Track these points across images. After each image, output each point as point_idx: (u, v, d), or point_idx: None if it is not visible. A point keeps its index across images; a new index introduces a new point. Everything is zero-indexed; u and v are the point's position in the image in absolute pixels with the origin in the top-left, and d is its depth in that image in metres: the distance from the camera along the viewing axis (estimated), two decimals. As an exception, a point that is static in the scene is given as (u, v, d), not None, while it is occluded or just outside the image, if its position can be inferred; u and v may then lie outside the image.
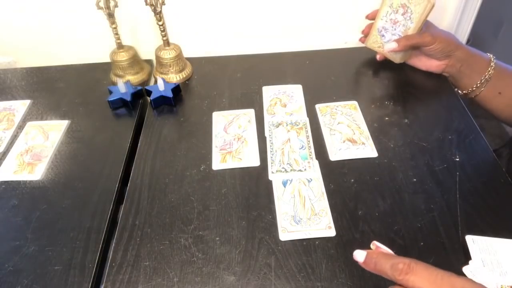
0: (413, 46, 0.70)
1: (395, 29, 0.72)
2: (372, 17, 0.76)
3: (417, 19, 0.69)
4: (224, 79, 0.78)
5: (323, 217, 0.53)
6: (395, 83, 0.75)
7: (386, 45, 0.72)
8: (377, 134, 0.65)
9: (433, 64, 0.72)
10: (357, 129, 0.66)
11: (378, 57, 0.77)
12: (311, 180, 0.58)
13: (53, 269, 0.49)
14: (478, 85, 0.69)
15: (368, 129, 0.66)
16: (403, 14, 0.70)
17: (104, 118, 0.71)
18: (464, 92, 0.72)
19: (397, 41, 0.69)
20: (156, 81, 0.76)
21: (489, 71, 0.68)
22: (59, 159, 0.64)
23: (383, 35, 0.74)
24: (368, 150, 0.62)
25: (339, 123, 0.67)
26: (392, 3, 0.72)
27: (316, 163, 0.60)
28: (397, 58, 0.75)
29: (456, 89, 0.73)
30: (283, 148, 0.63)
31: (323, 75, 0.78)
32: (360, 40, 0.80)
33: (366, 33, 0.77)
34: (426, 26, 0.71)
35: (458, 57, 0.69)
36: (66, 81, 0.80)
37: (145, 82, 0.80)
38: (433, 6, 0.68)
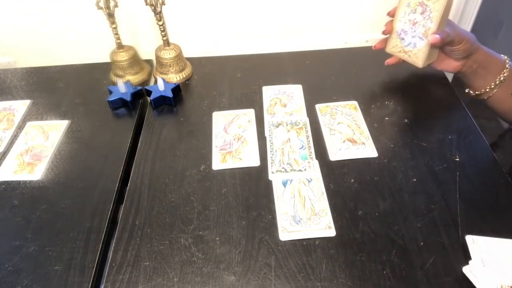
0: (448, 42, 0.64)
1: (414, 31, 0.66)
2: (393, 14, 0.69)
3: (437, 18, 0.63)
4: (224, 79, 0.78)
5: (323, 217, 0.53)
6: (395, 83, 0.75)
7: (429, 36, 0.64)
8: (377, 134, 0.65)
9: (451, 65, 0.69)
10: (357, 129, 0.66)
11: (389, 61, 0.72)
12: (311, 180, 0.58)
13: (53, 269, 0.49)
14: (492, 86, 0.67)
15: (368, 129, 0.66)
16: (422, 13, 0.65)
17: (104, 118, 0.71)
18: (476, 93, 0.69)
19: (436, 33, 0.64)
20: (156, 81, 0.76)
21: (504, 73, 0.66)
22: (59, 159, 0.64)
23: (402, 38, 0.68)
24: (368, 150, 0.62)
25: (339, 123, 0.67)
26: (409, 2, 0.66)
27: (316, 163, 0.60)
28: (419, 62, 0.68)
29: (467, 90, 0.70)
30: (283, 148, 0.63)
31: (323, 75, 0.78)
32: (375, 46, 0.72)
33: (387, 32, 0.70)
34: (448, 25, 0.66)
35: (476, 58, 0.66)
36: (66, 81, 0.80)
37: (145, 82, 0.80)
38: (452, 1, 0.62)
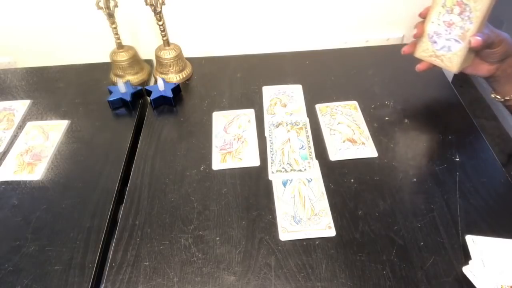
0: (489, 44, 0.59)
1: (449, 33, 0.60)
2: (425, 15, 0.62)
3: (477, 18, 0.56)
4: (224, 79, 0.79)
5: (323, 217, 0.53)
6: (395, 83, 0.75)
7: (470, 38, 0.58)
8: (377, 134, 0.65)
9: (484, 69, 0.63)
10: (357, 129, 0.66)
11: (419, 66, 0.65)
12: (311, 180, 0.58)
13: (53, 269, 0.49)
14: None
15: (368, 129, 0.66)
16: (459, 14, 0.58)
17: (104, 118, 0.71)
18: (505, 98, 0.63)
19: (476, 35, 0.58)
20: (156, 81, 0.76)
21: None
22: (59, 159, 0.64)
23: (435, 42, 0.62)
24: (368, 150, 0.62)
25: (339, 123, 0.67)
26: (445, 2, 0.59)
27: (316, 163, 0.60)
28: (454, 67, 0.62)
29: (494, 95, 0.65)
30: (283, 148, 0.63)
31: (323, 75, 0.78)
32: (404, 50, 0.66)
33: (419, 35, 0.63)
34: (485, 26, 0.60)
35: (510, 61, 0.61)
36: (66, 81, 0.80)
37: (145, 82, 0.80)
38: (494, 0, 0.56)
